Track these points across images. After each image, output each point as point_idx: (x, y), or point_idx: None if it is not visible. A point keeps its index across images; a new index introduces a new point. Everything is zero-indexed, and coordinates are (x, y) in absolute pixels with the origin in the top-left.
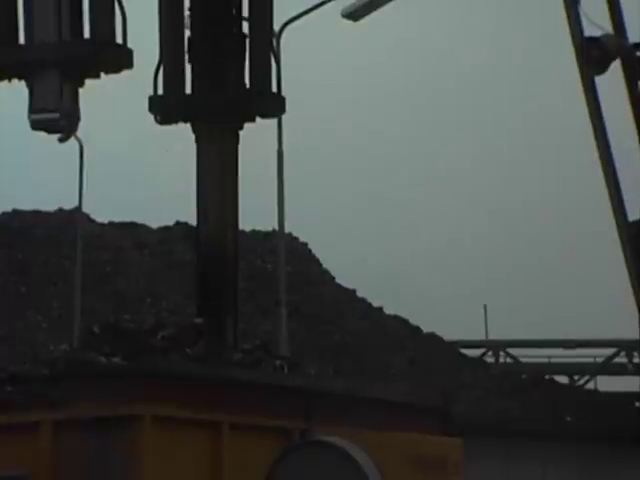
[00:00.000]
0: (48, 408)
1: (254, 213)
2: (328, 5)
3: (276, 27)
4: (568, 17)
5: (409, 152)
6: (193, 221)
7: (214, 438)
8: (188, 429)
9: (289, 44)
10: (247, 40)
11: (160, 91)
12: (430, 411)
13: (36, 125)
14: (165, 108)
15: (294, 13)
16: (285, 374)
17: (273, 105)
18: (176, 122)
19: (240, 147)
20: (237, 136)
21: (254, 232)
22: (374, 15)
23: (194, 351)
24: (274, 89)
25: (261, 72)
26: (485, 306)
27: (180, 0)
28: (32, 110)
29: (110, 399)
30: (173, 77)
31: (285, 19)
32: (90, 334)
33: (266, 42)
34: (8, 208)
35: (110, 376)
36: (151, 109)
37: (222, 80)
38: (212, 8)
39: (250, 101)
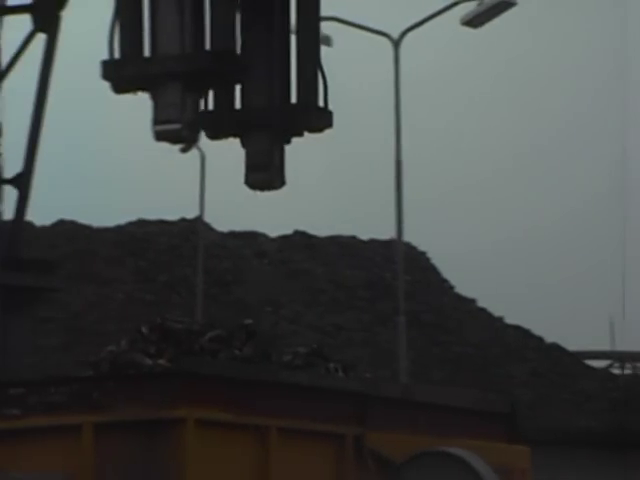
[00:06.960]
0: (90, 410)
1: (372, 222)
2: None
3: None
4: None
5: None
6: (312, 230)
7: (260, 443)
8: (233, 433)
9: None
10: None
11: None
12: (496, 417)
13: (159, 136)
14: (215, 123)
15: None
16: (338, 377)
17: (319, 119)
18: (226, 137)
19: (359, 156)
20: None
21: (372, 241)
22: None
23: (242, 352)
24: (321, 103)
25: (308, 86)
26: (611, 316)
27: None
28: (155, 121)
29: (153, 401)
30: (223, 93)
31: None
32: (138, 334)
33: (313, 55)
34: (134, 217)
35: (154, 378)
36: (202, 125)
37: (270, 95)
38: (260, 23)
39: (296, 115)
